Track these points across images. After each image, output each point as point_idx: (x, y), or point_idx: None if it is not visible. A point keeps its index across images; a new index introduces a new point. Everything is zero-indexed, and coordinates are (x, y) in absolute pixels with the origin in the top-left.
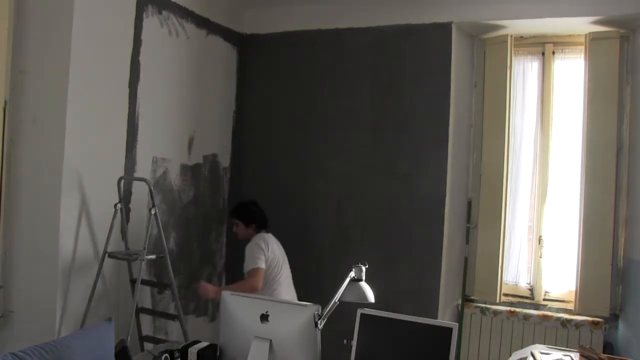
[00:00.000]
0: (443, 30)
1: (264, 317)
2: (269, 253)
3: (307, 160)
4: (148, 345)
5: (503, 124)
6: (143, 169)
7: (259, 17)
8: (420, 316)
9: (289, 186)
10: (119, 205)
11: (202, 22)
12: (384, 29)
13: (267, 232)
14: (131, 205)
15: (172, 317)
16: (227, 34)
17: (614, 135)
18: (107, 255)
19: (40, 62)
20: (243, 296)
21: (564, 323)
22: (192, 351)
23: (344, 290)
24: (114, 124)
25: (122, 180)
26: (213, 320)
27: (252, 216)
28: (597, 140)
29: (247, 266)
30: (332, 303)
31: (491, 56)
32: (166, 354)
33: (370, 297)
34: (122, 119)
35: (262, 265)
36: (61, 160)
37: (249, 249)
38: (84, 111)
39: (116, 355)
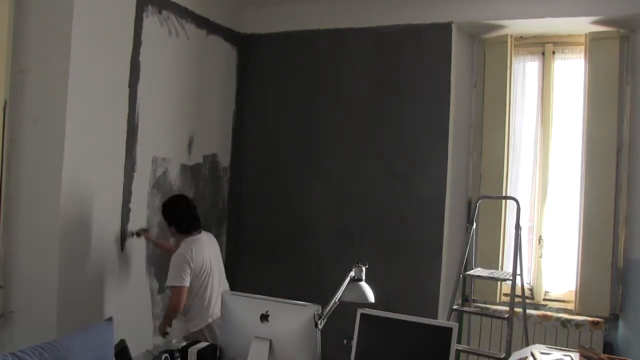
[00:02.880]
0: (443, 30)
1: (264, 317)
2: (193, 264)
3: (307, 160)
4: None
5: (503, 123)
6: (143, 169)
7: (259, 17)
8: (420, 316)
9: (289, 186)
10: None
11: (202, 22)
12: (384, 29)
13: (199, 231)
14: (131, 205)
15: None
16: (227, 34)
17: (614, 135)
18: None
19: (40, 62)
20: (243, 296)
21: (564, 323)
22: (192, 351)
23: (344, 290)
24: (114, 124)
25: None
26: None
27: (171, 216)
28: (597, 140)
29: (168, 280)
30: (332, 303)
31: (491, 56)
32: (166, 354)
33: (370, 297)
34: (122, 119)
35: (185, 283)
36: (61, 160)
37: (173, 259)
38: (84, 111)
39: (116, 355)
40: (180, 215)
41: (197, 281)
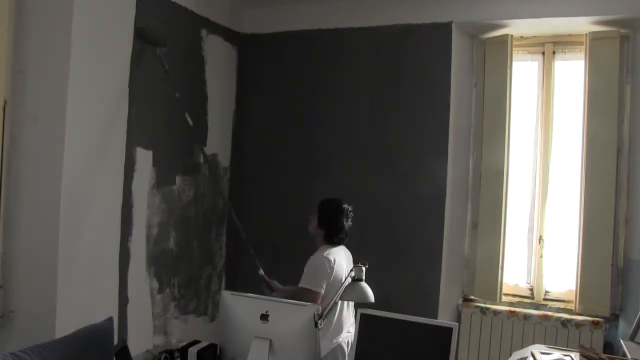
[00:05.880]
0: (443, 30)
1: (264, 317)
2: (333, 273)
3: (307, 161)
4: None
5: (503, 123)
6: (143, 168)
7: (259, 17)
8: (420, 316)
9: (289, 186)
10: None
11: (202, 22)
12: (384, 29)
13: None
14: (131, 205)
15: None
16: (227, 34)
17: (614, 135)
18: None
19: (40, 62)
20: (243, 296)
21: (564, 323)
22: (192, 351)
23: (344, 290)
24: (114, 124)
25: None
26: (213, 320)
27: (327, 219)
28: (597, 140)
29: (304, 282)
30: (332, 303)
31: (491, 56)
32: (166, 354)
33: (370, 297)
34: (122, 119)
35: (321, 290)
36: (61, 160)
37: (312, 261)
38: (84, 111)
39: (116, 355)
40: (336, 225)
41: (334, 292)
